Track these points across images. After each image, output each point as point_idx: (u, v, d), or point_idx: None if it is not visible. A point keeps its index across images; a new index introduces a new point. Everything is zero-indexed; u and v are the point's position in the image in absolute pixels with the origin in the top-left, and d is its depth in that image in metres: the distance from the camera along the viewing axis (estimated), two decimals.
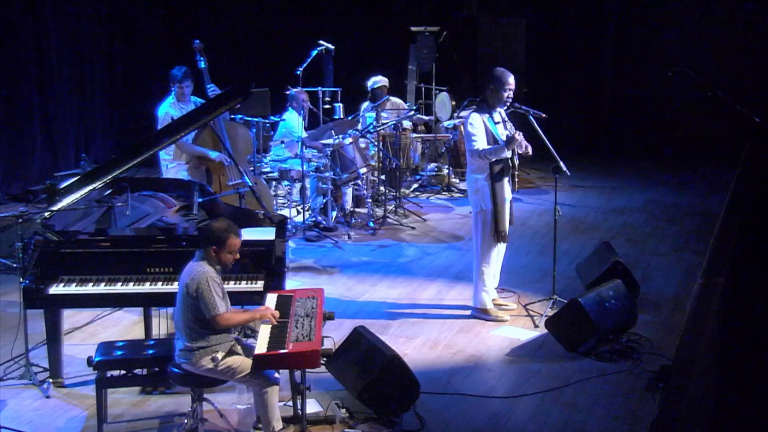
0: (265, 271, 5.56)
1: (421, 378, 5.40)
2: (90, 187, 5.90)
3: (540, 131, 6.75)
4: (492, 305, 6.89)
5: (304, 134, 9.25)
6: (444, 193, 11.05)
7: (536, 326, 6.69)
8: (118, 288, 5.49)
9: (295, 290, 5.39)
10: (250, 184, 6.75)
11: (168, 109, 7.62)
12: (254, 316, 4.97)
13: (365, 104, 10.57)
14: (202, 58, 7.71)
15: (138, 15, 12.13)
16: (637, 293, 7.06)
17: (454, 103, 12.01)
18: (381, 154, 10.07)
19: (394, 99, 10.85)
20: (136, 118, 11.74)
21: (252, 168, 8.72)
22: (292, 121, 9.39)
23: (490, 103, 6.66)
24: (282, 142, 9.44)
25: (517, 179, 6.81)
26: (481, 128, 6.58)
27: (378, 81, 10.47)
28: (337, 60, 11.08)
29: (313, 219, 9.10)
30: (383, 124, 9.87)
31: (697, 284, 7.34)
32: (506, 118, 6.82)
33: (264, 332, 4.81)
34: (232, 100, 6.53)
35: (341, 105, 10.29)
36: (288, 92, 9.40)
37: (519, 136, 6.55)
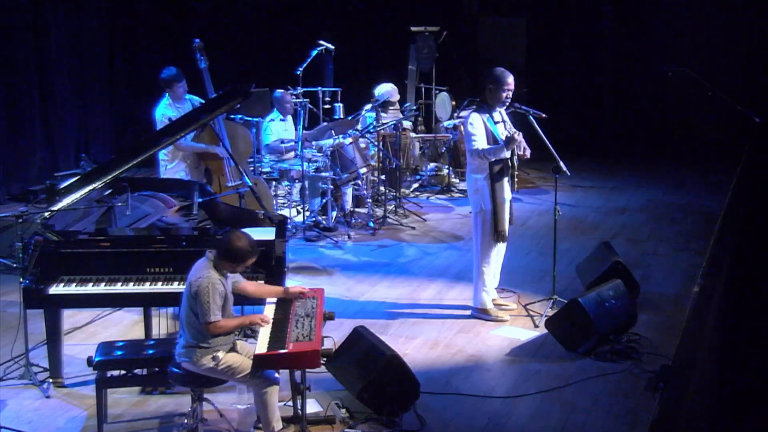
0: (265, 271, 5.56)
1: (421, 378, 5.40)
2: (90, 187, 5.90)
3: (540, 131, 6.75)
4: (492, 305, 6.89)
5: (288, 136, 9.22)
6: (444, 193, 11.05)
7: (536, 326, 6.69)
8: (118, 288, 5.49)
9: None
10: (250, 184, 6.75)
11: (165, 111, 7.61)
12: (243, 322, 4.97)
13: (368, 106, 10.53)
14: (202, 58, 7.69)
15: (138, 15, 12.13)
16: (637, 293, 7.06)
17: (454, 103, 12.02)
18: (381, 154, 10.07)
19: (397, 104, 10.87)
20: (136, 118, 11.75)
21: (252, 168, 8.72)
22: (269, 123, 9.33)
23: (490, 102, 6.66)
24: (282, 142, 9.43)
25: (516, 179, 6.81)
26: (481, 128, 6.58)
27: (387, 93, 10.37)
28: (337, 60, 11.08)
29: (313, 219, 9.10)
30: (383, 124, 9.87)
31: (697, 284, 7.36)
32: (506, 118, 6.82)
33: (264, 332, 4.81)
34: (232, 100, 6.53)
35: (341, 105, 10.28)
36: (273, 94, 9.37)
37: (518, 136, 6.55)
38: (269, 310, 5.06)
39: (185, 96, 7.69)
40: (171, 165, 7.79)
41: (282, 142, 9.47)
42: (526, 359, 6.16)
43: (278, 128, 9.34)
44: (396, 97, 10.59)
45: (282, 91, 9.35)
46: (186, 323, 4.80)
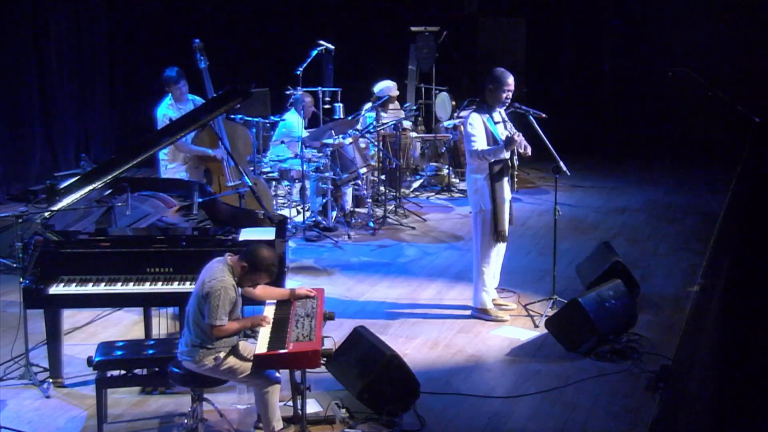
0: None
1: (421, 378, 5.40)
2: (90, 187, 5.89)
3: (540, 131, 6.74)
4: (492, 305, 6.88)
5: (305, 134, 9.25)
6: (444, 193, 11.05)
7: (536, 326, 6.69)
8: (118, 288, 5.49)
9: None
10: (250, 184, 6.75)
11: (166, 111, 7.62)
12: (246, 324, 4.95)
13: (367, 105, 10.52)
14: (202, 58, 7.70)
15: (138, 15, 12.14)
16: (637, 293, 7.06)
17: (454, 103, 12.01)
18: (381, 154, 10.06)
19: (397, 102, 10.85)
20: (136, 118, 11.76)
21: (252, 168, 8.72)
22: (293, 121, 9.39)
23: (490, 103, 6.66)
24: (282, 141, 9.44)
25: (516, 179, 6.81)
26: (481, 128, 6.58)
27: (387, 89, 10.38)
28: (337, 60, 11.08)
29: (313, 219, 9.10)
30: (383, 124, 9.87)
31: (697, 284, 7.36)
32: (506, 119, 6.82)
33: (264, 332, 4.81)
34: (232, 100, 6.53)
35: (341, 105, 10.28)
36: (293, 94, 9.38)
37: (518, 137, 6.55)
38: (269, 311, 5.06)
39: (187, 96, 7.70)
40: (171, 165, 7.79)
41: (282, 142, 9.47)
42: (526, 359, 6.16)
43: (296, 123, 9.36)
44: (395, 93, 10.56)
45: (301, 93, 9.35)
46: (192, 322, 4.79)
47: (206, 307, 4.69)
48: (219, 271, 4.76)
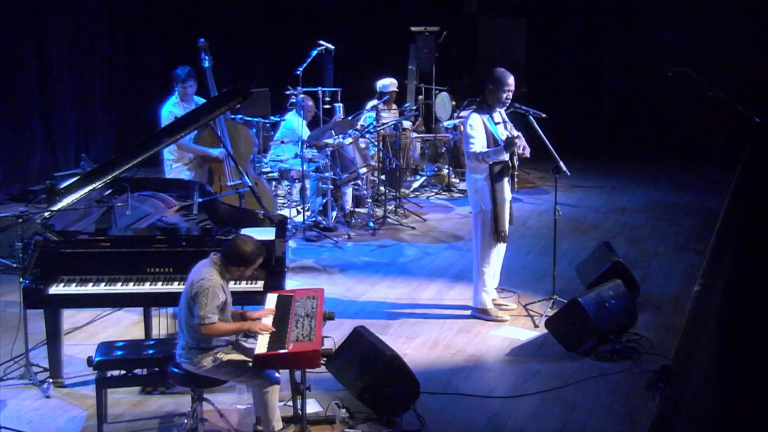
0: (265, 271, 5.55)
1: (421, 378, 5.40)
2: (90, 187, 5.89)
3: (540, 131, 6.74)
4: (492, 305, 6.89)
5: (305, 135, 9.25)
6: (444, 193, 11.05)
7: (536, 326, 6.69)
8: (118, 288, 5.49)
9: (295, 290, 5.38)
10: (250, 184, 6.74)
11: (172, 109, 7.63)
12: (242, 327, 4.92)
13: (372, 102, 10.48)
14: (206, 57, 7.71)
15: (139, 15, 12.14)
16: (637, 293, 7.06)
17: (454, 103, 12.01)
18: (381, 154, 10.06)
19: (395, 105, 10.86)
20: (136, 118, 11.77)
21: (253, 168, 8.72)
22: (294, 122, 9.39)
23: (490, 103, 6.65)
24: (283, 141, 9.44)
25: (516, 179, 6.81)
26: (481, 130, 6.57)
27: (389, 84, 10.38)
28: (337, 60, 11.08)
29: (313, 219, 9.10)
30: (383, 124, 9.87)
31: (697, 284, 7.36)
32: (507, 119, 6.81)
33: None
34: (233, 100, 6.53)
35: (341, 105, 10.28)
36: (293, 94, 9.38)
37: (519, 139, 6.54)
38: (269, 309, 5.06)
39: (192, 97, 7.70)
40: (176, 165, 7.80)
41: (282, 142, 9.47)
42: (526, 359, 6.16)
43: (297, 124, 9.37)
44: (395, 89, 10.53)
45: (302, 96, 9.35)
46: (185, 324, 4.80)
47: (195, 306, 4.69)
48: (207, 272, 4.78)
